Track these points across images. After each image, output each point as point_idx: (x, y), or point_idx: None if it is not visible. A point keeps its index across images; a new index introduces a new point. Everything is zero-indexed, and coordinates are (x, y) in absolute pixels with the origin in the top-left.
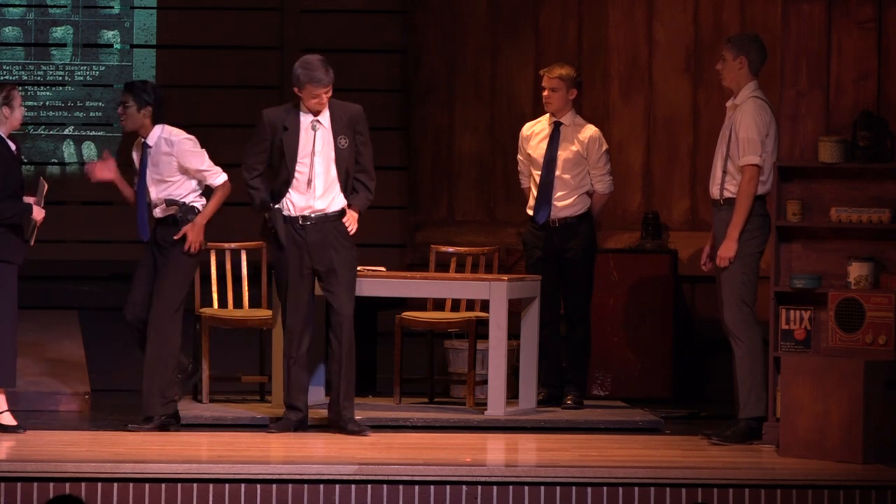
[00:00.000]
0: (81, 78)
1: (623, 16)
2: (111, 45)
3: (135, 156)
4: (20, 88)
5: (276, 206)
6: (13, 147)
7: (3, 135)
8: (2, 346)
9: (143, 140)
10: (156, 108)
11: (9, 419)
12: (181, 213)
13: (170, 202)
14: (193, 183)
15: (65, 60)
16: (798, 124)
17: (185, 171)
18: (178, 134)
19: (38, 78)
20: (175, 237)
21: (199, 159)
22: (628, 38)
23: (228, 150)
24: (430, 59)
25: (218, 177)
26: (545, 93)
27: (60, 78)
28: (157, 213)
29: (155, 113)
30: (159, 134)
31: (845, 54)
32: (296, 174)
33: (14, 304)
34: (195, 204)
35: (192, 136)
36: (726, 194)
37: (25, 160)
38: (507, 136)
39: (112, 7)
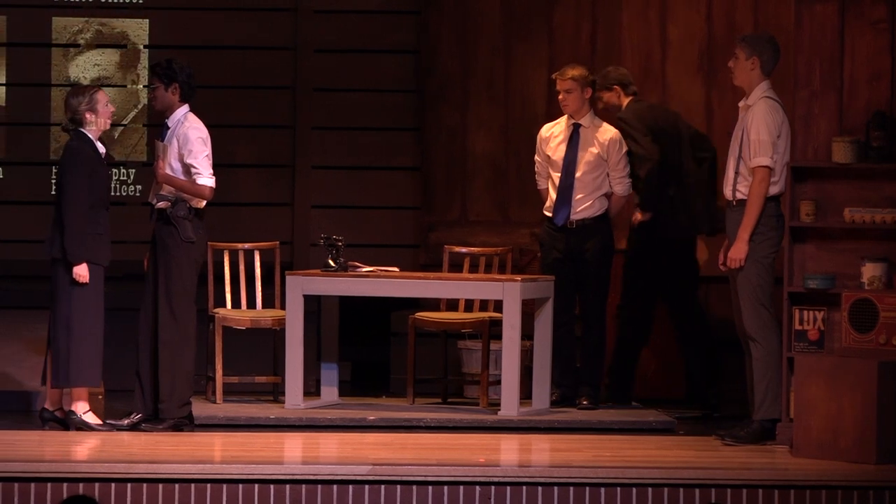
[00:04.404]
0: None
1: (636, 16)
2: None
3: None
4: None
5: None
6: (102, 150)
7: (92, 138)
8: (89, 346)
9: (165, 121)
10: (184, 84)
11: (93, 418)
12: (171, 208)
13: (161, 197)
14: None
15: None
16: (811, 125)
17: (180, 159)
18: (194, 120)
19: None
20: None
21: (196, 152)
22: (641, 38)
23: (242, 150)
24: (443, 60)
25: (205, 179)
26: (560, 96)
27: None
28: (160, 202)
29: (184, 91)
30: (179, 117)
31: (858, 55)
32: None
33: (101, 306)
34: (187, 200)
35: (205, 131)
36: (739, 195)
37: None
38: (521, 136)
39: (123, 6)
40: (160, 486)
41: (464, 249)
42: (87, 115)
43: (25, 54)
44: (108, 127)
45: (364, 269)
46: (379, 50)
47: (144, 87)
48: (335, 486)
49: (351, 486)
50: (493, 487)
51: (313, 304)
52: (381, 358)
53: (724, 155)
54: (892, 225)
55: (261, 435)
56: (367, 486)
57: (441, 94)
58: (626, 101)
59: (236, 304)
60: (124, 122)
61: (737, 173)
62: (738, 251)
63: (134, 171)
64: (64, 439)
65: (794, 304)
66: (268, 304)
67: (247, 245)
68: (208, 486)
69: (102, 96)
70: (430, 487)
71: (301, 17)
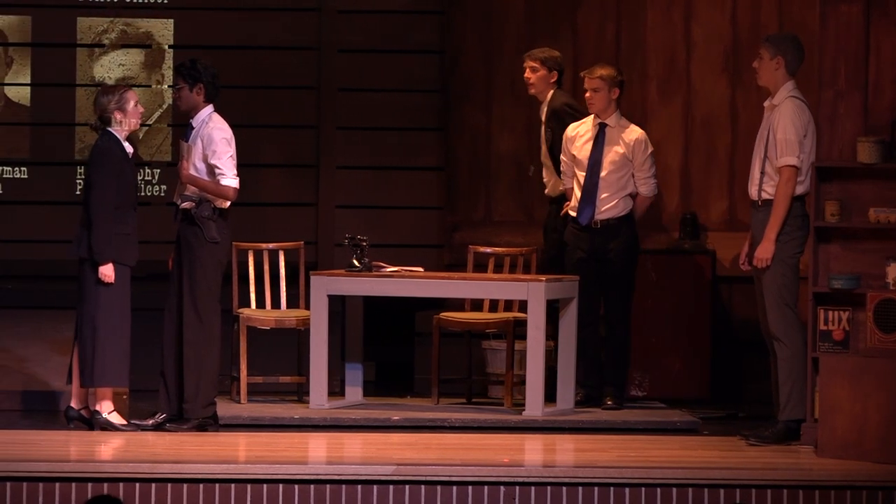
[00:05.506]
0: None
1: (661, 16)
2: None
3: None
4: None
5: None
6: (130, 150)
7: (120, 138)
8: (114, 346)
9: (190, 121)
10: (208, 85)
11: (117, 418)
12: (195, 208)
13: (185, 197)
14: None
15: None
16: (836, 125)
17: (204, 159)
18: (218, 121)
19: None
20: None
21: (220, 153)
22: (666, 38)
23: (267, 150)
24: (467, 60)
25: (228, 180)
26: (587, 94)
27: None
28: (184, 203)
29: (208, 91)
30: (203, 118)
31: (884, 55)
32: None
33: (127, 306)
34: (211, 201)
35: (229, 132)
36: (765, 195)
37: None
38: None
39: (148, 6)
40: (184, 486)
41: (488, 249)
42: (117, 115)
43: (50, 54)
44: (136, 127)
45: (388, 269)
46: (403, 50)
47: (169, 87)
48: (359, 487)
49: (375, 487)
50: (517, 488)
51: (338, 305)
52: (406, 358)
53: (748, 154)
54: None
55: (285, 435)
56: (391, 487)
57: (465, 94)
58: (553, 87)
59: (261, 304)
60: (149, 122)
61: (763, 173)
62: (764, 251)
63: (158, 171)
64: (88, 439)
65: (818, 304)
66: (292, 304)
67: (271, 245)
68: (232, 486)
69: (132, 96)
70: (454, 488)
71: (325, 17)
